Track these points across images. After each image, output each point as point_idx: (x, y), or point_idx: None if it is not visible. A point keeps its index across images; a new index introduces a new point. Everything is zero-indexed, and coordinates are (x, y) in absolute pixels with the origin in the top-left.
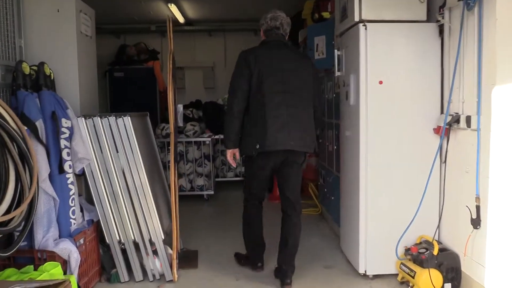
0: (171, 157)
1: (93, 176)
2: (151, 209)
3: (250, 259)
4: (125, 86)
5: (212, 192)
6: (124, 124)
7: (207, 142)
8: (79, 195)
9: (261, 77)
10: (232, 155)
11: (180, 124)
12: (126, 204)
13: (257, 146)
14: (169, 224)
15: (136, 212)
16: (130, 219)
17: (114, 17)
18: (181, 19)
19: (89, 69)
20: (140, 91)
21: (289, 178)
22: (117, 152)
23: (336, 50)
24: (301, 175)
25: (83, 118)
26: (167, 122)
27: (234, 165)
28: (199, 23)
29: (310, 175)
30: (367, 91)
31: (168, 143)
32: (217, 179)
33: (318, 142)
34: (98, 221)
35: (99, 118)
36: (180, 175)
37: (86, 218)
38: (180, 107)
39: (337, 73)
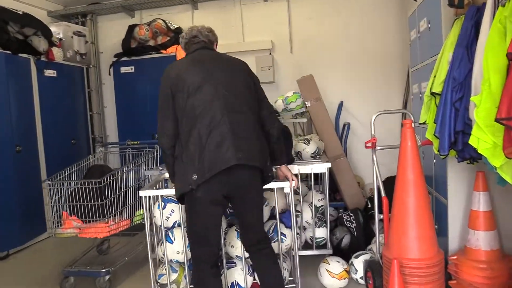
0: None
1: None
2: None
3: None
4: (136, 87)
5: None
6: None
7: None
8: None
9: (187, 94)
10: None
11: None
12: None
13: (194, 177)
14: None
15: None
16: None
17: None
18: None
19: None
20: (156, 92)
21: (246, 207)
22: None
23: None
24: (262, 200)
25: None
26: None
27: None
28: None
29: None
30: None
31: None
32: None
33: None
34: None
35: None
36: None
37: None
38: None
39: None
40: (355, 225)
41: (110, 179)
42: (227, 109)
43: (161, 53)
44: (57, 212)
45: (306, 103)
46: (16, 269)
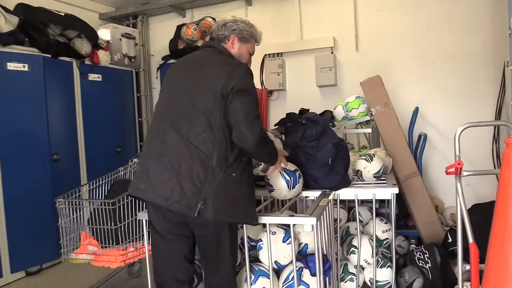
0: None
1: None
2: None
3: None
4: None
5: None
6: None
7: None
8: None
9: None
10: None
11: None
12: None
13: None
14: None
15: None
16: None
17: None
18: None
19: None
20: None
21: (202, 253)
22: None
23: None
24: (221, 252)
25: None
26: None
27: None
28: None
29: None
30: None
31: None
32: None
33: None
34: None
35: None
36: None
37: None
38: None
39: None
40: (430, 265)
41: (127, 199)
42: (171, 124)
43: None
44: (71, 234)
45: (372, 109)
46: (45, 286)
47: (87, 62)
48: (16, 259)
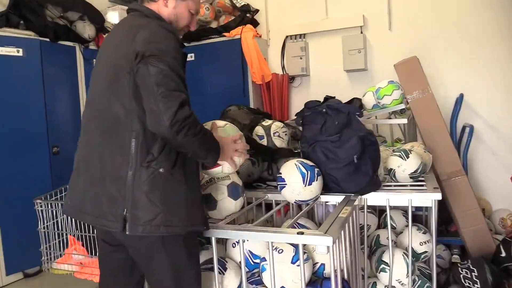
0: None
1: None
2: None
3: None
4: (197, 76)
5: None
6: None
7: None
8: None
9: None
10: None
11: None
12: None
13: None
14: None
15: None
16: None
17: None
18: None
19: None
20: (219, 85)
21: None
22: None
23: None
24: (159, 278)
25: None
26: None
27: None
28: None
29: None
30: None
31: None
32: None
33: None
34: None
35: None
36: None
37: None
38: None
39: None
40: (479, 286)
41: None
42: (90, 121)
43: (224, 36)
44: (55, 240)
45: (407, 96)
46: None
47: (92, 46)
48: (13, 260)
